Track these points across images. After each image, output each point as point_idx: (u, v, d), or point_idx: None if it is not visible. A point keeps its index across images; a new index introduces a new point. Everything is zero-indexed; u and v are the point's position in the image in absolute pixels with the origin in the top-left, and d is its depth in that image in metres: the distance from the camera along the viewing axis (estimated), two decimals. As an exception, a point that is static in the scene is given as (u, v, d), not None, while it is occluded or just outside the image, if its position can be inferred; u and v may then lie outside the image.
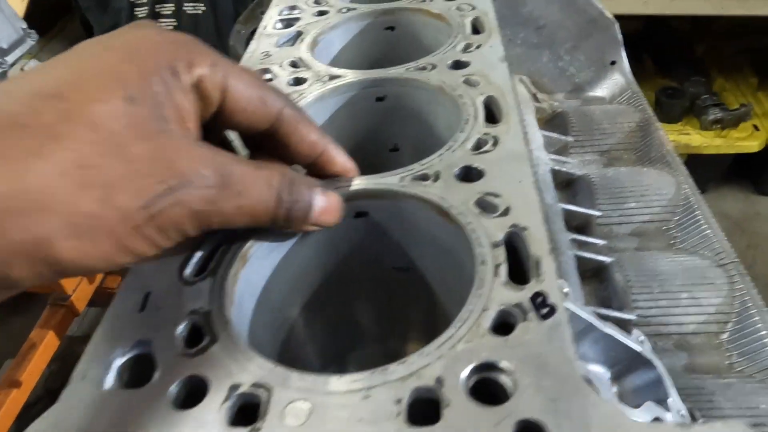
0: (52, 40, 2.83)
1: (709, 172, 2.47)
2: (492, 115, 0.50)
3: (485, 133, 0.47)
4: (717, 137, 2.35)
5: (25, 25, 1.50)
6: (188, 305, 0.37)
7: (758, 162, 2.40)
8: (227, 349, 0.34)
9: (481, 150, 0.45)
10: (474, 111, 0.50)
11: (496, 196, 0.41)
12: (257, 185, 0.35)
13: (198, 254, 0.40)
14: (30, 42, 1.50)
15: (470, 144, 0.46)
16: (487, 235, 0.38)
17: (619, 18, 0.99)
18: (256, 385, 0.31)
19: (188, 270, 0.39)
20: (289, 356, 0.47)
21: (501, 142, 0.45)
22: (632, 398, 0.54)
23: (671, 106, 2.38)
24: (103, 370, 0.34)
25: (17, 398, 1.86)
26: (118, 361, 0.34)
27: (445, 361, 0.31)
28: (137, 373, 0.34)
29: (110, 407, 0.32)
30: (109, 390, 0.33)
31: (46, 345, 1.99)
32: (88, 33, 1.99)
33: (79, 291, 2.14)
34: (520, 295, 0.33)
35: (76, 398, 0.32)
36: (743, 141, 2.33)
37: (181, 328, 0.35)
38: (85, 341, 0.36)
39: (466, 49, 0.59)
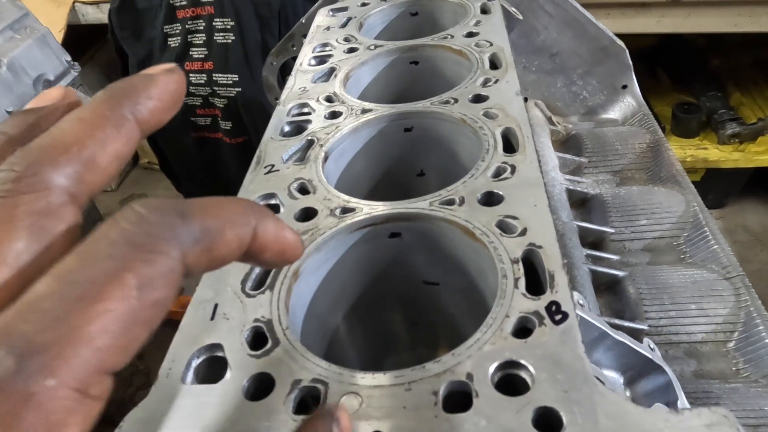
0: (84, 67, 2.97)
1: (727, 186, 2.49)
2: (510, 145, 0.56)
3: (504, 162, 0.53)
4: (735, 151, 2.36)
5: (69, 58, 1.61)
6: (251, 314, 0.43)
7: (777, 176, 2.41)
8: (288, 352, 0.40)
9: (501, 177, 0.51)
10: (493, 141, 0.56)
11: (514, 218, 0.46)
12: None
13: (256, 271, 0.47)
14: (73, 73, 1.61)
15: (490, 172, 0.52)
16: (507, 252, 0.43)
17: (633, 36, 1.04)
18: (314, 380, 0.37)
19: (249, 284, 0.46)
20: (332, 359, 0.53)
21: (518, 170, 0.51)
22: (644, 401, 0.59)
23: (688, 121, 2.41)
24: (183, 369, 0.40)
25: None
26: (196, 362, 0.41)
27: (474, 360, 0.36)
28: (211, 371, 0.41)
29: (192, 398, 0.38)
30: (190, 385, 0.39)
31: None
32: (123, 62, 2.09)
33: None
34: (537, 304, 0.39)
35: (164, 392, 0.39)
36: (762, 155, 2.34)
37: (247, 334, 0.42)
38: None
39: (485, 83, 0.65)
